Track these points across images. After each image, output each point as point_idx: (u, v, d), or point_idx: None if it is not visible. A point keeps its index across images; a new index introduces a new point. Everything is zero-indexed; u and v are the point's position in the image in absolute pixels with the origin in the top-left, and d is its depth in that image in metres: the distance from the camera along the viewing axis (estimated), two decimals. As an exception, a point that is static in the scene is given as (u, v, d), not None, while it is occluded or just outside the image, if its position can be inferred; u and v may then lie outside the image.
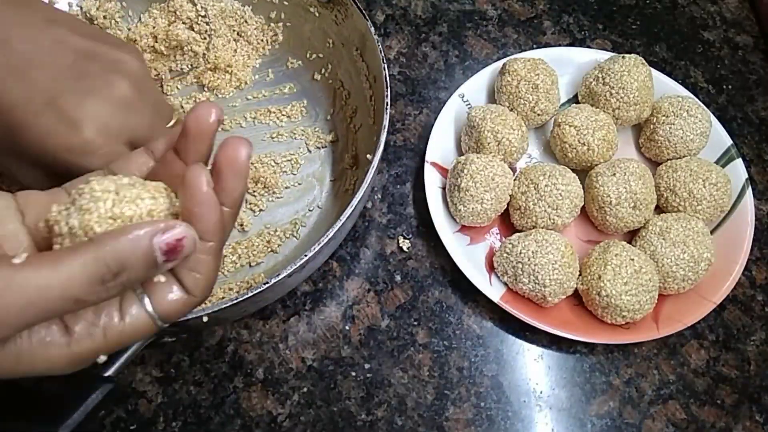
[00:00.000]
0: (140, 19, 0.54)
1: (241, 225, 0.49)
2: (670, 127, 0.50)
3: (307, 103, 0.54)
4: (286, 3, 0.54)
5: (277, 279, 0.36)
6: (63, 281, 0.22)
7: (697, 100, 0.53)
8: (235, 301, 0.35)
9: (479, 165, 0.46)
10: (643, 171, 0.48)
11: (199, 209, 0.25)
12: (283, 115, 0.53)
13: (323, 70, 0.54)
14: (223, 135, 0.52)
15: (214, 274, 0.27)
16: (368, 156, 0.42)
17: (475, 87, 0.54)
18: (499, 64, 0.54)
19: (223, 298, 0.45)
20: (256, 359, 0.46)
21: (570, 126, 0.49)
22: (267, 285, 0.36)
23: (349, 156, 0.51)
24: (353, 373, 0.46)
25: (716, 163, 0.52)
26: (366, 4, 0.63)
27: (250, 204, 0.50)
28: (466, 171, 0.46)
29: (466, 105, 0.54)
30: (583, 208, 0.49)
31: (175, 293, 0.26)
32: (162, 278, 0.26)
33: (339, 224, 0.38)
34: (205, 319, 0.36)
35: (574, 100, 0.56)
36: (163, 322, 0.26)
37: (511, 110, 0.51)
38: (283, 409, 0.45)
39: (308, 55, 0.55)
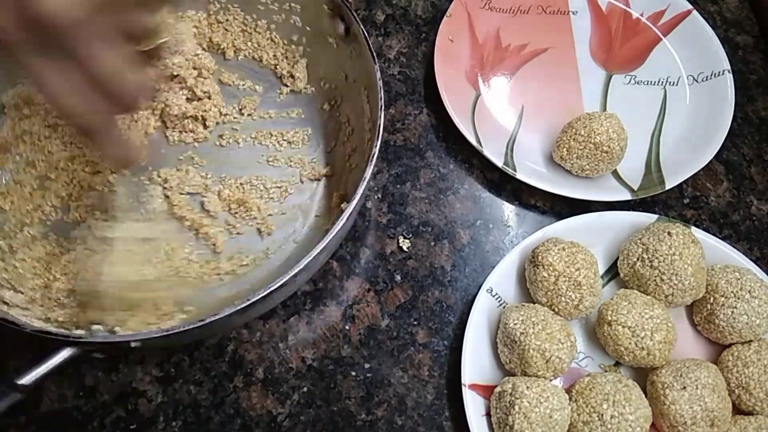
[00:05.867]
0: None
1: (215, 245, 0.47)
2: (732, 311, 0.44)
3: (311, 132, 0.53)
4: (308, 28, 0.53)
5: (215, 318, 0.35)
6: None
7: (756, 272, 0.47)
8: (162, 333, 0.34)
9: (532, 399, 0.40)
10: (715, 379, 0.42)
11: None
12: (284, 140, 0.52)
13: (333, 102, 0.53)
14: (219, 151, 0.51)
15: None
16: (342, 205, 0.40)
17: (502, 277, 0.48)
18: (525, 245, 0.48)
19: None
20: (256, 359, 0.46)
21: (623, 327, 0.43)
22: (203, 323, 0.35)
23: (337, 195, 0.49)
24: (353, 373, 0.46)
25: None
26: (366, 4, 0.63)
27: (228, 225, 0.49)
28: (517, 408, 0.40)
29: (496, 300, 0.47)
30: None
31: None
32: None
33: (289, 275, 0.36)
34: (133, 344, 0.35)
35: (613, 271, 0.49)
36: None
37: (550, 306, 0.45)
38: (283, 409, 0.45)
39: (322, 84, 0.54)
